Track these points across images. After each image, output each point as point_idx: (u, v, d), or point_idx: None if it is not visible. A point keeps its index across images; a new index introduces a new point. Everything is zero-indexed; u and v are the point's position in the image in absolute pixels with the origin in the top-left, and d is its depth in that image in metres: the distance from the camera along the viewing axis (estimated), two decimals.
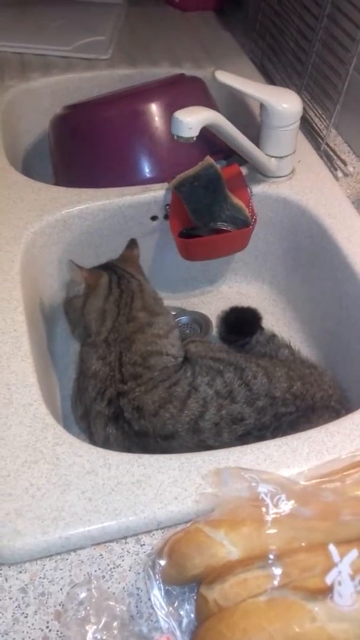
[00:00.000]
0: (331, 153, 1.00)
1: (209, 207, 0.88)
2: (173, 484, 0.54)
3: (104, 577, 0.50)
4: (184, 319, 1.00)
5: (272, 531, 0.46)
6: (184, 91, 1.01)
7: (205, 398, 0.68)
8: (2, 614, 0.48)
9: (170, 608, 0.47)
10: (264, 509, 0.47)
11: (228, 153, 0.95)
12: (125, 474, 0.55)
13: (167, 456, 0.57)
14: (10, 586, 0.50)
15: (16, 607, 0.48)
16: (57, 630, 0.47)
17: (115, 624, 0.45)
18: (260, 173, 0.93)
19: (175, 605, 0.48)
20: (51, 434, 0.59)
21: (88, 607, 0.46)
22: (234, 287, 1.05)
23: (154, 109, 0.94)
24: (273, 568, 0.44)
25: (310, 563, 0.44)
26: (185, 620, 0.47)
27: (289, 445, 0.58)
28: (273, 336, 0.89)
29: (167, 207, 0.92)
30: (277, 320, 0.98)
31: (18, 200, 0.87)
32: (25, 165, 1.13)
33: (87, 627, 0.45)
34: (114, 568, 0.51)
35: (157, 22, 1.39)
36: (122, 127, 0.94)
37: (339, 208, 0.88)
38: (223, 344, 0.92)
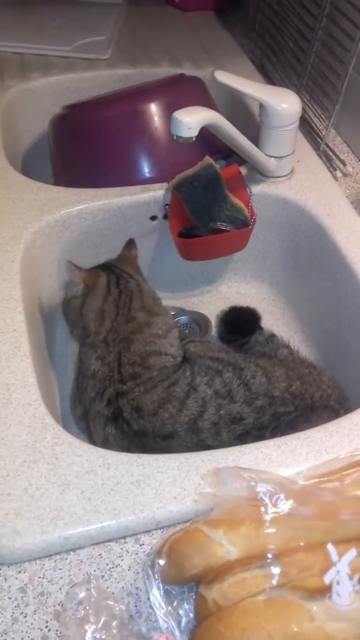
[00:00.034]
0: (330, 153, 1.00)
1: (208, 207, 0.89)
2: (172, 484, 0.54)
3: (103, 576, 0.50)
4: (183, 318, 1.00)
5: (271, 531, 0.46)
6: (184, 91, 1.01)
7: (204, 398, 0.68)
8: (2, 614, 0.48)
9: (169, 607, 0.47)
10: (262, 509, 0.47)
11: (227, 153, 0.95)
12: (125, 473, 0.55)
13: (166, 456, 0.57)
14: (10, 586, 0.50)
15: (15, 606, 0.48)
16: (57, 630, 0.47)
17: (114, 623, 0.45)
18: (259, 173, 0.93)
19: (174, 604, 0.48)
20: (50, 434, 0.59)
21: (87, 607, 0.46)
22: (233, 287, 1.05)
23: (154, 109, 0.94)
24: (272, 567, 0.44)
25: (308, 562, 0.44)
26: (184, 620, 0.47)
27: (287, 445, 0.58)
28: (272, 336, 0.89)
29: (167, 207, 0.92)
30: (276, 320, 0.98)
31: (18, 200, 0.87)
32: (25, 165, 1.13)
33: (86, 627, 0.45)
34: (113, 568, 0.51)
35: (157, 22, 1.39)
36: (121, 127, 0.94)
37: (338, 208, 0.88)
38: (222, 344, 0.92)
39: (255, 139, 0.88)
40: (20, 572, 0.50)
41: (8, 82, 1.14)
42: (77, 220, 0.88)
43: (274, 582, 0.43)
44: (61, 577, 0.50)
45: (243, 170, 0.93)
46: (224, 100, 1.08)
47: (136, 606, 0.48)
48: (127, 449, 0.66)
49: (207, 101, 1.02)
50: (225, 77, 0.81)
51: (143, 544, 0.52)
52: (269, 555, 0.44)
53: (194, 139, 0.74)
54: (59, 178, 1.03)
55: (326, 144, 1.02)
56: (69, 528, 0.51)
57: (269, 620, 0.41)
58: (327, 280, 0.87)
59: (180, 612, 0.47)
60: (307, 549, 0.45)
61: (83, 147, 0.99)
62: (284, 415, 0.68)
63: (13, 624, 0.47)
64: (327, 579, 0.42)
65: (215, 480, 0.54)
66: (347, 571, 0.42)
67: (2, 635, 0.47)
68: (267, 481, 0.49)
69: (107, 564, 0.51)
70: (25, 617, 0.48)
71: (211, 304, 1.02)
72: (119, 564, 0.51)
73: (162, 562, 0.48)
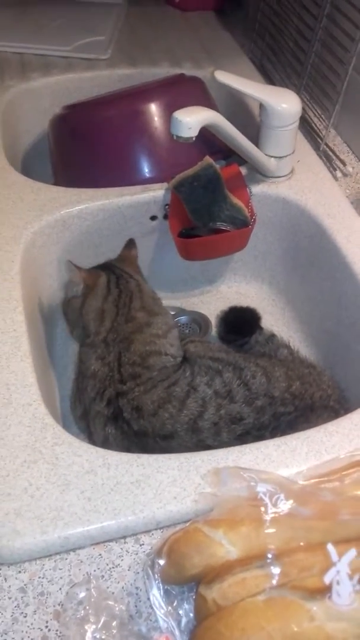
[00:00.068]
0: (330, 153, 1.00)
1: (208, 207, 0.89)
2: (172, 484, 0.54)
3: (103, 576, 0.50)
4: (183, 318, 1.00)
5: (271, 531, 0.46)
6: (184, 91, 1.01)
7: (204, 398, 0.68)
8: (2, 614, 0.48)
9: (169, 607, 0.47)
10: (262, 509, 0.47)
11: (227, 153, 0.95)
12: (125, 473, 0.55)
13: (166, 456, 0.57)
14: (10, 586, 0.50)
15: (15, 606, 0.48)
16: (56, 630, 0.47)
17: (114, 623, 0.45)
18: (259, 173, 0.93)
19: (174, 604, 0.48)
20: (50, 434, 0.59)
21: (87, 607, 0.46)
22: (233, 287, 1.05)
23: (154, 109, 0.94)
24: (272, 567, 0.44)
25: (308, 562, 0.44)
26: (184, 620, 0.47)
27: (287, 445, 0.58)
28: (272, 336, 0.89)
29: (167, 207, 0.92)
30: (276, 320, 0.98)
31: (18, 200, 0.87)
32: (25, 165, 1.13)
33: (86, 627, 0.45)
34: (113, 568, 0.51)
35: (157, 22, 1.39)
36: (121, 127, 0.94)
37: (338, 208, 0.88)
38: (222, 344, 0.92)
39: (255, 139, 0.88)
40: (20, 572, 0.50)
41: (8, 82, 1.14)
42: (77, 220, 0.88)
43: (274, 582, 0.43)
44: (61, 577, 0.50)
45: (243, 170, 0.93)
46: (224, 100, 1.08)
47: (136, 606, 0.48)
48: (127, 449, 0.66)
49: (207, 101, 1.02)
50: (225, 77, 0.81)
51: (143, 544, 0.52)
52: (269, 555, 0.44)
53: (194, 139, 0.74)
54: (59, 178, 1.03)
55: (326, 144, 1.02)
56: (69, 528, 0.51)
57: (269, 620, 0.41)
58: (327, 280, 0.87)
59: (180, 612, 0.47)
60: (307, 549, 0.45)
61: (83, 147, 0.99)
62: (284, 415, 0.68)
63: (13, 624, 0.47)
64: (327, 579, 0.42)
65: (215, 480, 0.54)
66: (347, 571, 0.42)
67: (2, 636, 0.47)
68: (267, 481, 0.49)
69: (107, 564, 0.51)
70: (25, 617, 0.48)
71: (211, 304, 1.02)
72: (119, 564, 0.51)
73: (162, 562, 0.48)
